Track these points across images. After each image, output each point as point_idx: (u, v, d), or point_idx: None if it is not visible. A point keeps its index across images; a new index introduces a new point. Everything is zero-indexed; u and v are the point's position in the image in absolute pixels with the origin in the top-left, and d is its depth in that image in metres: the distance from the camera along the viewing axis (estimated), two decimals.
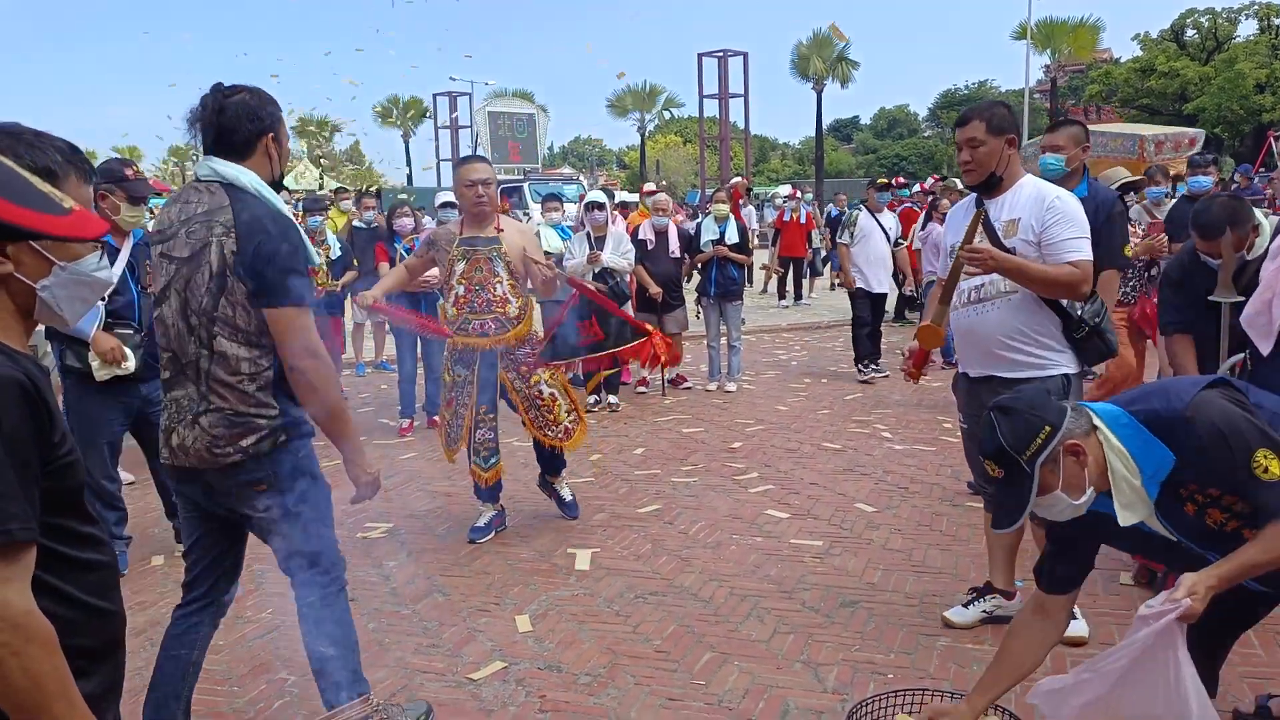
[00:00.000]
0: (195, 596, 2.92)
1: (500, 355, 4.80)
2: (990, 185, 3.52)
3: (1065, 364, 3.50)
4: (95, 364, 4.40)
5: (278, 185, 2.75)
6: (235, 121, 2.62)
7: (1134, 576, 4.21)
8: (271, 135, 2.68)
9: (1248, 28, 44.11)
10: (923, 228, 9.39)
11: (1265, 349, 2.79)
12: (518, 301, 4.80)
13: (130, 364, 4.47)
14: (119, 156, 5.25)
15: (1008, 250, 3.42)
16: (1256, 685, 3.25)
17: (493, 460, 4.94)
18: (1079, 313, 3.46)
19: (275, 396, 2.64)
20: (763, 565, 4.53)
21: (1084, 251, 3.39)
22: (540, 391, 4.89)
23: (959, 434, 6.85)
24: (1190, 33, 45.77)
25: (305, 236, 2.72)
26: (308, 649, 2.89)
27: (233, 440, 2.60)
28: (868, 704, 2.63)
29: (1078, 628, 3.65)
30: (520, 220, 9.44)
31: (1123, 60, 49.15)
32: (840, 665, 3.53)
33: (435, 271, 6.90)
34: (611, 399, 8.13)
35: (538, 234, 7.07)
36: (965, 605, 3.85)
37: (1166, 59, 43.44)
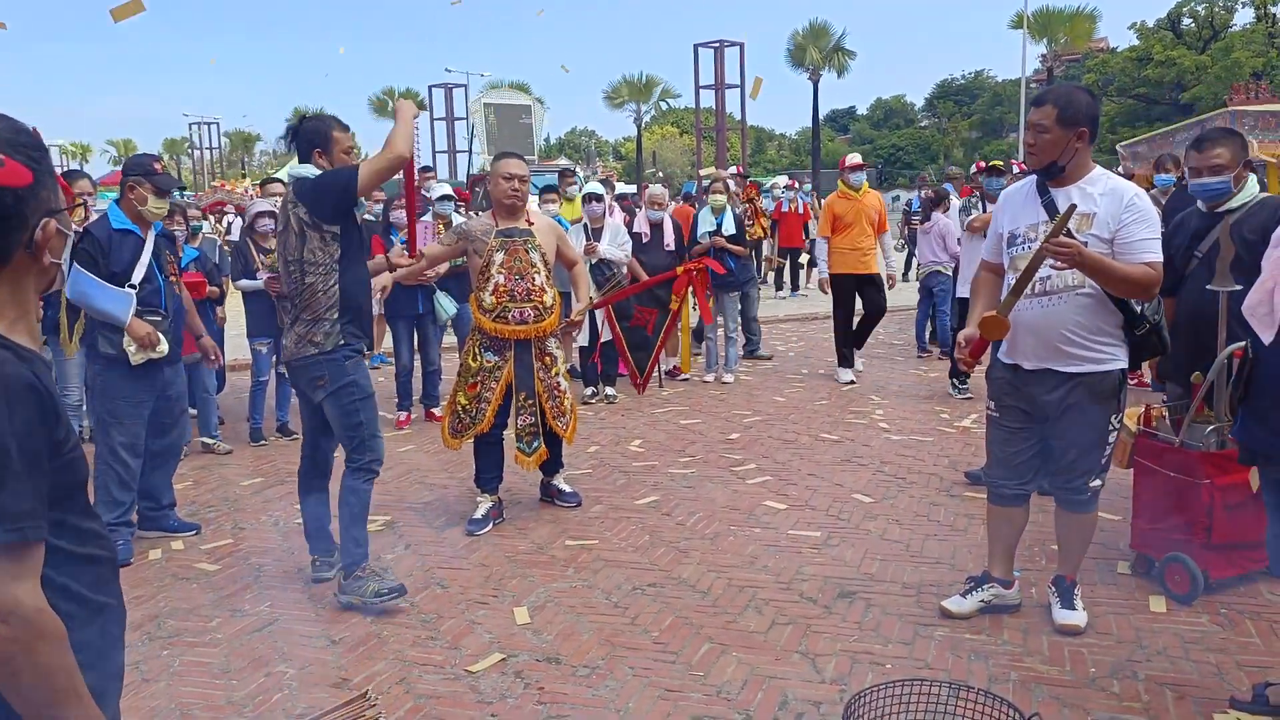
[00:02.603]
0: (305, 455, 4.34)
1: (532, 343, 4.99)
2: (1050, 174, 3.46)
3: (1121, 359, 3.50)
4: (131, 349, 4.64)
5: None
6: (304, 140, 4.02)
7: (1131, 566, 4.22)
8: (318, 150, 4.00)
9: (1244, 16, 44.05)
10: (925, 219, 9.32)
11: (1267, 338, 2.78)
12: (551, 292, 5.01)
13: (164, 347, 4.75)
14: (149, 153, 5.43)
15: (1081, 242, 3.35)
16: (1254, 675, 3.25)
17: (535, 444, 5.10)
18: (1141, 309, 3.46)
19: (339, 312, 3.99)
20: (760, 556, 4.53)
21: (1158, 253, 3.37)
22: (559, 382, 5.13)
23: (956, 425, 6.91)
24: (1187, 21, 45.69)
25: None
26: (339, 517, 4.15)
27: (310, 340, 4.00)
28: (866, 695, 2.63)
29: (1075, 616, 3.65)
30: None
31: (1119, 49, 49.09)
32: (838, 656, 3.53)
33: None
34: (609, 391, 8.12)
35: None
36: (963, 595, 3.85)
37: (1163, 48, 43.40)
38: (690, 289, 8.23)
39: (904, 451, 6.29)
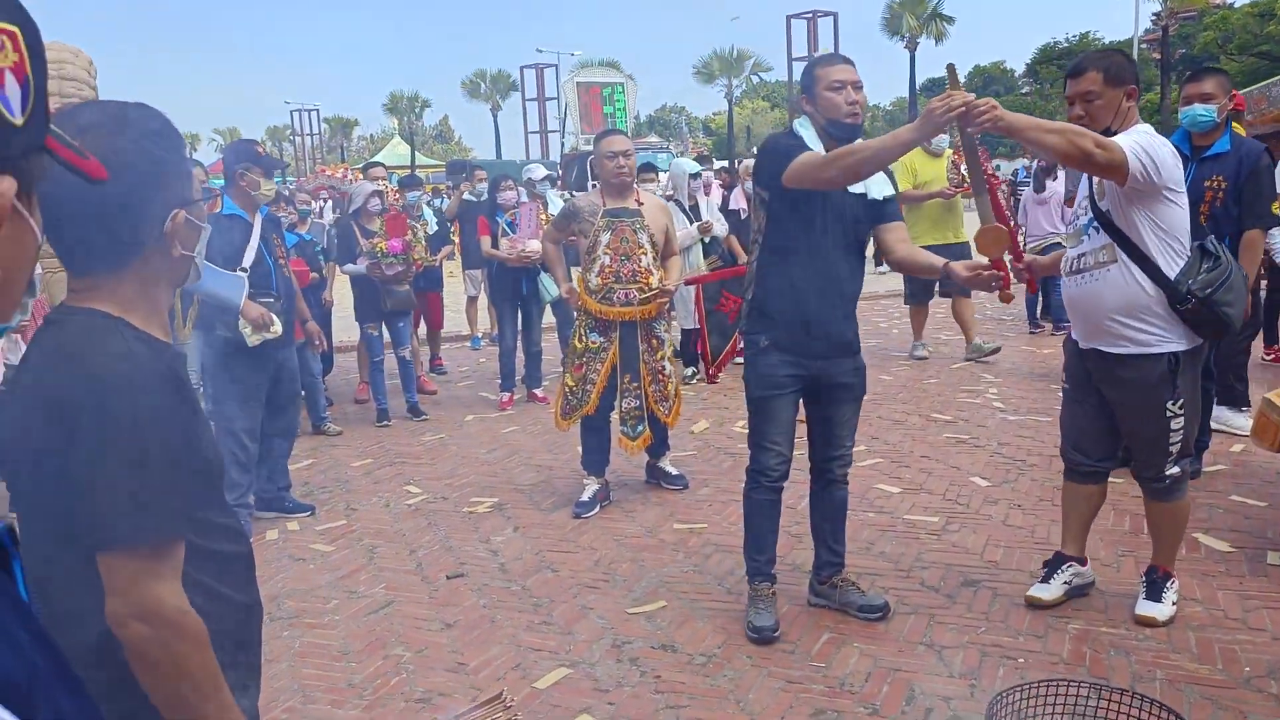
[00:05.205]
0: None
1: (638, 325, 4.89)
2: None
3: (1175, 340, 3.21)
4: (247, 330, 4.70)
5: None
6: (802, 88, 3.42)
7: None
8: (804, 97, 3.36)
9: None
10: (1040, 188, 8.91)
11: None
12: (659, 274, 4.90)
13: (278, 327, 4.80)
14: (248, 139, 5.57)
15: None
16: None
17: (639, 428, 5.01)
18: (1188, 285, 3.13)
19: (753, 292, 3.45)
20: (877, 542, 4.39)
21: (1121, 144, 3.01)
22: (663, 366, 5.03)
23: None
24: None
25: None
26: None
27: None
28: (1008, 696, 2.49)
29: (1154, 608, 3.46)
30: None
31: (1238, 5, 46.40)
32: (966, 648, 3.38)
33: (536, 245, 6.90)
34: (687, 371, 7.93)
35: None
36: (1046, 580, 3.69)
37: None
38: None
39: (1022, 432, 6.03)
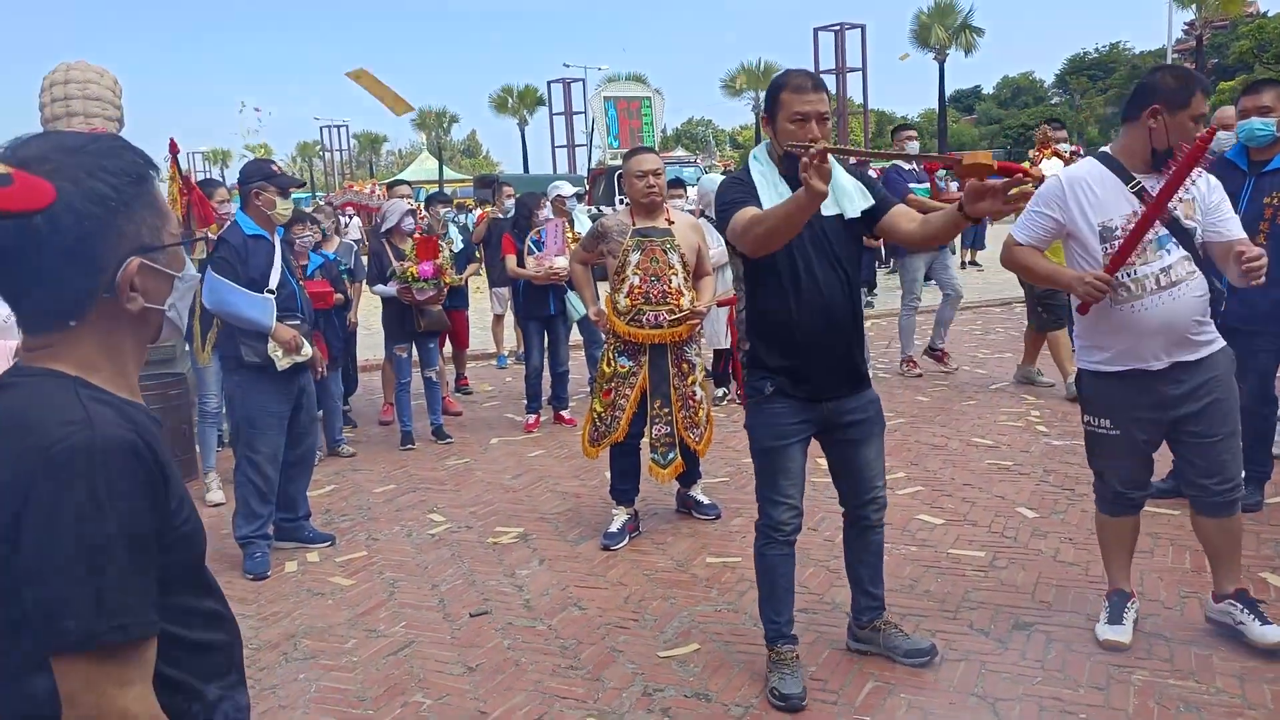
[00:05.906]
0: None
1: (668, 349, 4.72)
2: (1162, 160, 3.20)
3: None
4: (278, 354, 4.59)
5: None
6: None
7: None
8: (765, 118, 3.15)
9: None
10: None
11: None
12: (690, 295, 4.72)
13: (308, 350, 4.72)
14: (261, 157, 5.47)
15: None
16: None
17: (670, 456, 4.81)
18: (1220, 284, 3.38)
19: (750, 343, 3.28)
20: (921, 579, 4.17)
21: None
22: (694, 392, 4.84)
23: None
24: None
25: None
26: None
27: None
28: None
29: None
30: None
31: (1272, 14, 45.75)
32: (1023, 701, 3.15)
33: (562, 262, 6.74)
34: (718, 392, 7.72)
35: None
36: (1116, 621, 3.49)
37: None
38: None
39: (1069, 458, 5.77)
